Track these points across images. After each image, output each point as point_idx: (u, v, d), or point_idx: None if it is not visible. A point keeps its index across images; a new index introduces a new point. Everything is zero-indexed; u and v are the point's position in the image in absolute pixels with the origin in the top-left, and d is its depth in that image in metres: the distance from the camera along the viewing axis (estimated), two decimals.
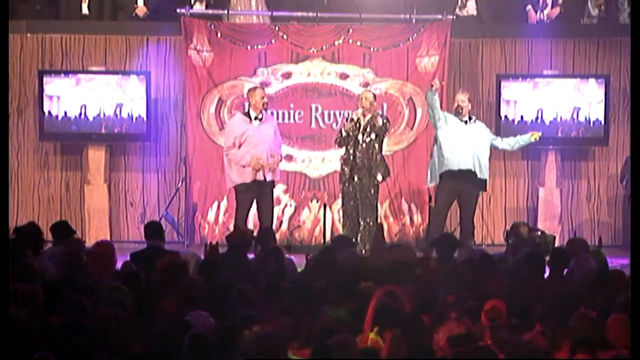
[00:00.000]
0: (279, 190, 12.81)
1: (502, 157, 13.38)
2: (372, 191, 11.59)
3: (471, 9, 13.48)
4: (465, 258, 8.90)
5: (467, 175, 11.57)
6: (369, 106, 11.54)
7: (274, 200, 12.22)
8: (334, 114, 13.00)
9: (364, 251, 11.28)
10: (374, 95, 11.80)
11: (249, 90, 12.03)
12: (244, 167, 11.56)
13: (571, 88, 13.03)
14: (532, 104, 13.00)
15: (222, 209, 12.89)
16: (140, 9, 13.46)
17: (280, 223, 12.79)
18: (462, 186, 11.62)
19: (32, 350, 6.36)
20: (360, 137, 11.51)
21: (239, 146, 11.58)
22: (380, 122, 11.53)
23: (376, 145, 11.55)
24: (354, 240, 11.03)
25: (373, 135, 11.50)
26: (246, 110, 11.83)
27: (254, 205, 11.79)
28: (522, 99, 12.99)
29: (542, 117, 12.99)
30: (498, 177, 13.39)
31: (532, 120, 12.98)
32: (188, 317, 6.91)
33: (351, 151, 11.55)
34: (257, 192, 11.68)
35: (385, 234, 12.81)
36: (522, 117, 12.98)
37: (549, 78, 13.13)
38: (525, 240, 11.14)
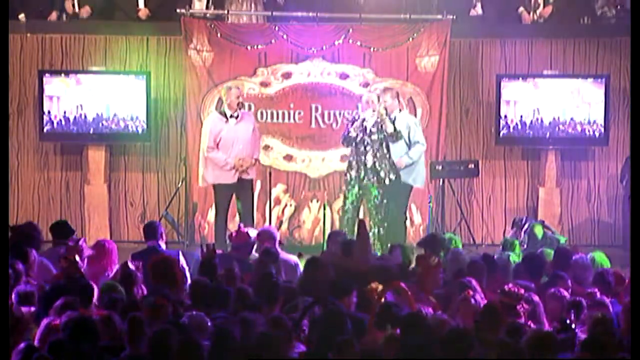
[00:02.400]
0: (279, 190, 12.82)
1: (502, 157, 13.38)
2: (379, 194, 11.55)
3: (479, 9, 13.50)
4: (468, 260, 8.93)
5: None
6: (374, 106, 11.54)
7: (273, 201, 12.33)
8: (334, 114, 12.98)
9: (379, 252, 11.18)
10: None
11: (226, 89, 12.05)
12: (227, 170, 11.69)
13: (571, 88, 13.02)
14: (532, 104, 12.99)
15: None
16: (143, 11, 13.43)
17: (280, 223, 12.78)
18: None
19: (32, 350, 6.37)
20: (367, 138, 11.52)
21: (217, 145, 11.70)
22: (390, 127, 11.45)
23: (384, 148, 11.56)
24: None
25: (381, 137, 11.51)
26: (222, 109, 11.92)
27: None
28: (522, 99, 12.98)
29: (541, 117, 12.98)
30: (498, 177, 13.39)
31: (531, 120, 12.98)
32: (185, 318, 6.91)
33: (357, 152, 11.55)
34: (236, 188, 11.80)
35: None
36: (521, 117, 12.97)
37: (549, 78, 13.13)
38: (539, 242, 11.13)
